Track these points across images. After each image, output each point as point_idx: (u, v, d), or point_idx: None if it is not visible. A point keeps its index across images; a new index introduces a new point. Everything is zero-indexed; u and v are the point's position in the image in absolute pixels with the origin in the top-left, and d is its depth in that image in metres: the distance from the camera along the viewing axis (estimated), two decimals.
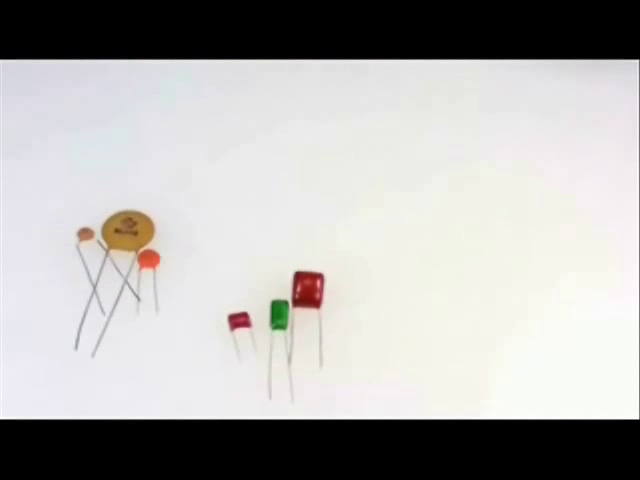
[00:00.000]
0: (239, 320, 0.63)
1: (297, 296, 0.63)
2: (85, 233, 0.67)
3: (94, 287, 0.65)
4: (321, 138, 0.75)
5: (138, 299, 0.65)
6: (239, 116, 0.76)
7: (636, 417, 0.60)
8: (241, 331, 0.63)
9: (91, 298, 0.64)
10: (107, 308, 0.64)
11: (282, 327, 0.62)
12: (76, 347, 0.62)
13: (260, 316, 0.63)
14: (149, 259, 0.66)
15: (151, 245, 0.67)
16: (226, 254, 0.68)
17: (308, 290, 0.63)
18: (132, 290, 0.65)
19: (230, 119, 0.76)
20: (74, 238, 0.67)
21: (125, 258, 0.66)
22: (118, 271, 0.65)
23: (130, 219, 0.68)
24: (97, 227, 0.68)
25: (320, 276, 0.64)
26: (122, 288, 0.65)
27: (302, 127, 0.76)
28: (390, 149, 0.74)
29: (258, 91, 0.78)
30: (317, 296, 0.63)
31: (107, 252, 0.66)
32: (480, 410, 0.60)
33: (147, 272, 0.66)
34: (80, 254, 0.66)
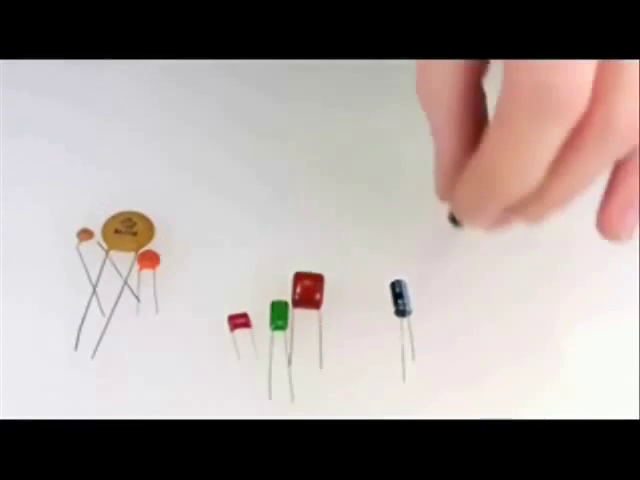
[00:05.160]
0: (239, 321, 0.63)
1: (297, 297, 0.63)
2: (85, 234, 0.67)
3: (94, 288, 0.65)
4: (322, 138, 0.75)
5: (138, 300, 0.65)
6: (239, 116, 0.76)
7: (636, 417, 0.60)
8: (241, 332, 0.63)
9: (91, 299, 0.64)
10: (107, 309, 0.64)
11: (282, 328, 0.62)
12: (76, 348, 0.62)
13: (260, 317, 0.63)
14: (149, 260, 0.66)
15: (151, 245, 0.67)
16: (226, 255, 0.68)
17: (308, 291, 0.63)
18: (132, 291, 0.65)
19: (230, 119, 0.76)
20: (74, 239, 0.67)
21: (125, 259, 0.66)
22: (118, 272, 0.65)
23: (130, 219, 0.68)
24: (97, 228, 0.68)
25: (320, 277, 0.64)
26: (122, 289, 0.65)
27: (303, 127, 0.76)
28: (391, 150, 0.74)
29: (259, 91, 0.78)
30: (317, 297, 0.63)
31: (107, 253, 0.66)
32: (479, 410, 0.60)
33: (147, 273, 0.66)
34: (80, 255, 0.66)
